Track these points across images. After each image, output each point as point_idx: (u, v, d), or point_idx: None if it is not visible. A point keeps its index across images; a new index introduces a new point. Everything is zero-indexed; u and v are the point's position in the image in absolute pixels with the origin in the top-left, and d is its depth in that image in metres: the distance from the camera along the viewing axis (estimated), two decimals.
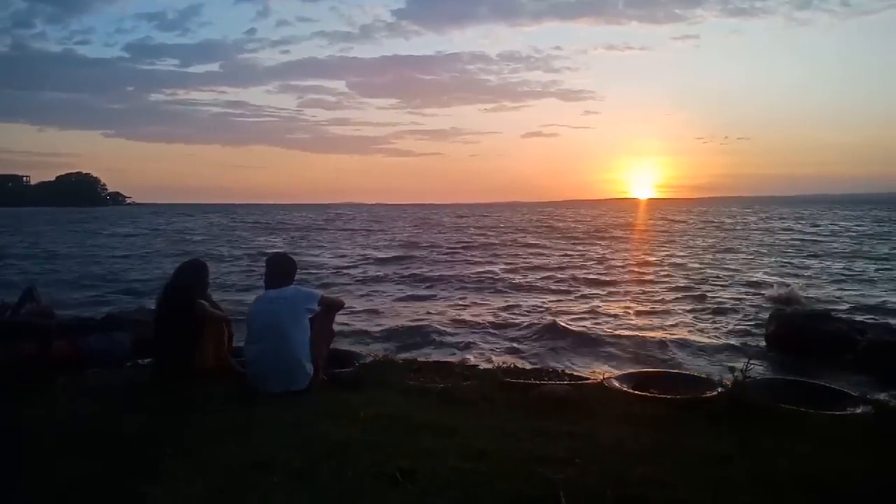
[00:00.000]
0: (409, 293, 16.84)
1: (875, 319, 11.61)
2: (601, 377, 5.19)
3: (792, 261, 23.81)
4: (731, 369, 4.90)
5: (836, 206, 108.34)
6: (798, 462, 3.37)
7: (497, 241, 37.04)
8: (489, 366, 6.20)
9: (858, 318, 11.64)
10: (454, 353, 9.31)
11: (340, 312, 5.19)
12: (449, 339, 10.61)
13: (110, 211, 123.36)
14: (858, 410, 4.46)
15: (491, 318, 12.80)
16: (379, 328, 11.69)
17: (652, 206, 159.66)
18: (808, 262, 23.51)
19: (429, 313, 13.44)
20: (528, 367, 5.83)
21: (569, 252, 29.38)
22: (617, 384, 4.94)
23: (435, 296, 16.22)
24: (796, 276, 19.24)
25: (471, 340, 10.61)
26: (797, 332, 10.12)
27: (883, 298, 14.99)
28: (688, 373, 5.34)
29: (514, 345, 10.39)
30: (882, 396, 4.74)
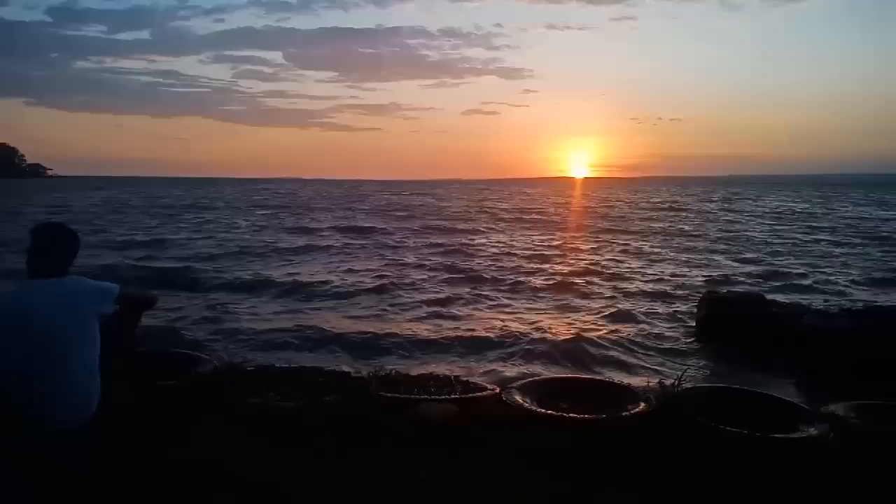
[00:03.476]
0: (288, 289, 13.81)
1: (808, 301, 11.07)
2: (498, 388, 4.10)
3: (724, 244, 23.31)
4: (661, 384, 3.90)
5: (768, 187, 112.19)
6: None
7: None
8: (369, 370, 5.02)
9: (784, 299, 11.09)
10: (337, 355, 7.89)
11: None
12: (333, 341, 8.82)
13: (23, 183, 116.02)
14: (813, 431, 3.54)
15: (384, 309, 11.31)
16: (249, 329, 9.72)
17: (588, 185, 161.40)
18: (743, 243, 23.18)
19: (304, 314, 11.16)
20: (416, 372, 4.70)
21: (491, 237, 27.32)
22: (519, 397, 3.88)
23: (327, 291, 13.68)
24: (728, 258, 18.84)
25: (360, 340, 8.88)
26: (729, 318, 9.48)
27: (808, 280, 14.69)
28: (607, 379, 4.32)
29: (407, 343, 8.80)
30: (833, 408, 3.83)
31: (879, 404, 3.96)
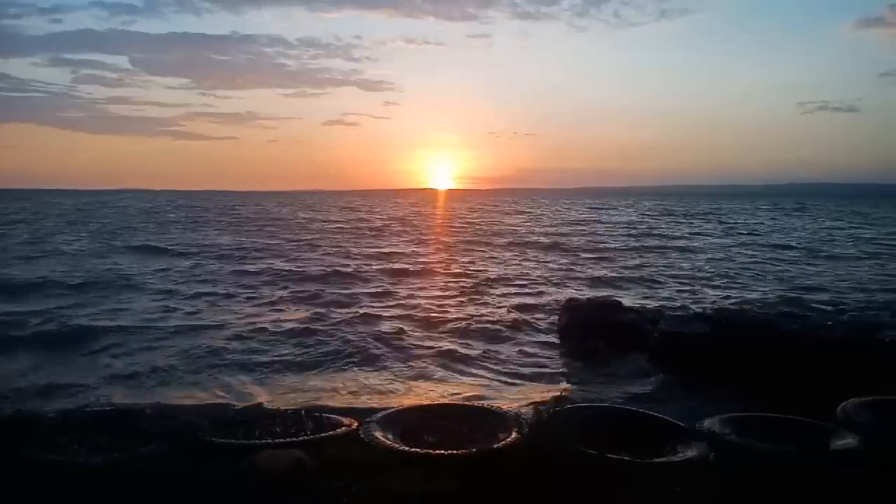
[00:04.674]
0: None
1: (662, 307, 11.45)
2: (356, 422, 3.58)
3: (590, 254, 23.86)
4: (536, 409, 3.56)
5: (619, 198, 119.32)
6: None
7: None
8: (203, 406, 4.28)
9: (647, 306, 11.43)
10: (169, 389, 6.60)
11: None
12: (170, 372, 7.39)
13: None
14: (693, 453, 3.33)
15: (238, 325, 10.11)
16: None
17: (451, 197, 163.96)
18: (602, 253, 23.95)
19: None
20: (268, 403, 4.06)
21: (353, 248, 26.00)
22: (379, 433, 3.38)
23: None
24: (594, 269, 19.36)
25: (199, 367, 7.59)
26: (589, 324, 9.57)
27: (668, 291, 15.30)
28: (476, 405, 3.93)
29: (252, 367, 7.73)
30: (708, 423, 3.67)
31: (752, 416, 3.86)
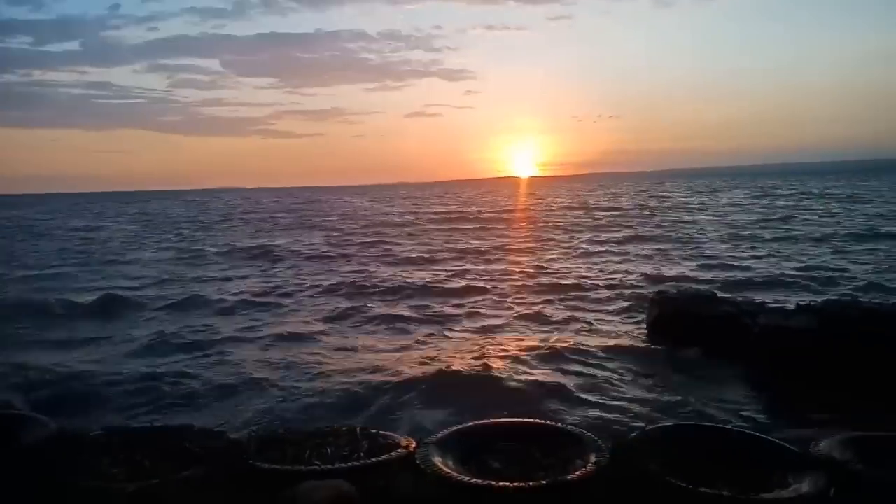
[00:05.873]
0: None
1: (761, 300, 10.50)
2: (414, 443, 3.22)
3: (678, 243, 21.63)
4: (616, 439, 3.08)
5: (707, 179, 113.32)
6: None
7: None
8: (254, 426, 4.02)
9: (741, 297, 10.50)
10: (208, 408, 6.11)
11: None
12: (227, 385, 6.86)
13: None
14: (808, 486, 2.77)
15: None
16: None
17: (533, 184, 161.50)
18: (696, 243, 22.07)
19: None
20: (319, 419, 3.76)
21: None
22: (439, 457, 3.01)
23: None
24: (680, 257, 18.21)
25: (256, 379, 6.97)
26: (681, 318, 8.88)
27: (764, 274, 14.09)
28: (550, 424, 3.47)
29: (310, 378, 7.08)
30: (825, 446, 3.09)
31: (882, 437, 3.23)
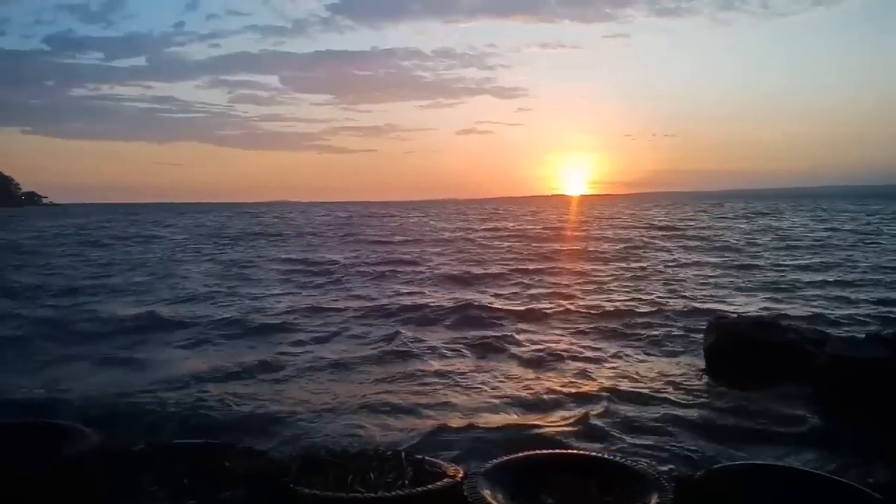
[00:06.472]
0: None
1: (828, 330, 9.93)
2: (461, 472, 3.05)
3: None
4: (677, 477, 2.86)
5: (765, 202, 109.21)
6: None
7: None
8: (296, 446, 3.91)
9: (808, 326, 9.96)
10: (254, 428, 5.97)
11: None
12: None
13: (13, 211, 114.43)
14: None
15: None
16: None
17: (584, 203, 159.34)
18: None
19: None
20: (365, 438, 3.63)
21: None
22: (488, 490, 2.84)
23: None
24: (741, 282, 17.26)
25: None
26: (741, 344, 8.43)
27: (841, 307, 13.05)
28: (608, 458, 3.25)
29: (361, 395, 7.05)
30: None
31: None
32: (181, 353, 9.50)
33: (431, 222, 58.29)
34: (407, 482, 3.05)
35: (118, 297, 15.49)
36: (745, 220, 49.40)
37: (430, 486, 2.89)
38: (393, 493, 2.84)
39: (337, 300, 14.48)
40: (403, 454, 3.33)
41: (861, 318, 11.38)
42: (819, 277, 17.10)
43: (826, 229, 36.64)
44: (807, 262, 20.85)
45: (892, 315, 11.89)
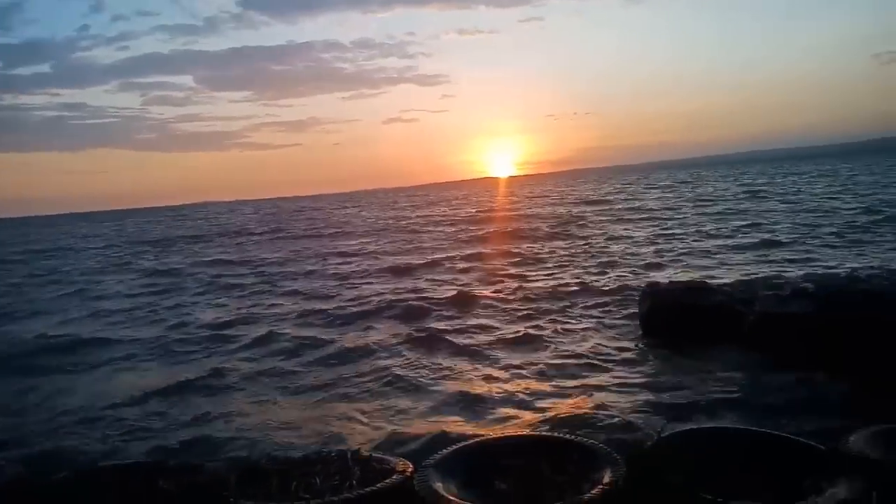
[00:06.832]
0: None
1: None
2: (411, 466, 2.93)
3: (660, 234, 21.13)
4: (630, 449, 2.83)
5: (690, 170, 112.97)
6: None
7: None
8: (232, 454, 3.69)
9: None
10: (184, 441, 5.51)
11: None
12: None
13: None
14: (844, 490, 2.53)
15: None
16: None
17: (513, 183, 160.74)
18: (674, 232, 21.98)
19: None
20: (300, 452, 3.44)
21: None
22: (439, 482, 2.73)
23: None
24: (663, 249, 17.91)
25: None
26: (674, 309, 8.64)
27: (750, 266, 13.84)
28: (557, 436, 3.20)
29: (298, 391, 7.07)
30: (854, 441, 2.85)
31: None
32: (105, 374, 8.86)
33: (363, 213, 57.43)
34: (354, 482, 2.92)
35: (35, 318, 14.45)
36: (670, 190, 50.94)
37: (377, 485, 2.77)
38: (340, 496, 2.70)
39: (270, 302, 13.94)
40: (349, 454, 3.20)
41: (787, 273, 11.89)
42: (746, 240, 17.78)
43: (746, 192, 38.26)
44: (733, 225, 21.69)
45: (814, 266, 12.53)
